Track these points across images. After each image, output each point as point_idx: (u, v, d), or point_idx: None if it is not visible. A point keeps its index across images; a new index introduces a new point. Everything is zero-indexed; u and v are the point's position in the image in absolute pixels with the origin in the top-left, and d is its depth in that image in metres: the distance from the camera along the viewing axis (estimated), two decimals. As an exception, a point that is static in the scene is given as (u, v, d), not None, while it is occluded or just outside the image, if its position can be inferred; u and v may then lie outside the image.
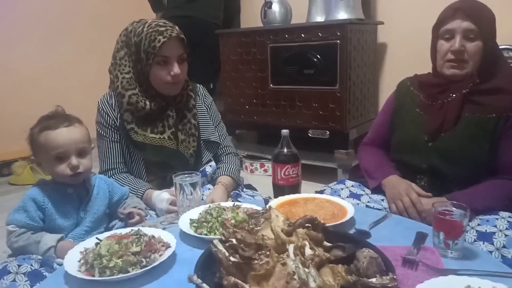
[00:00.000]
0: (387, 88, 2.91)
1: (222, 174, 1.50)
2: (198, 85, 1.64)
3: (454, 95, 1.27)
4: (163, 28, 1.36)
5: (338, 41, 2.46)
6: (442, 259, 0.85)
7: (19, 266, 0.96)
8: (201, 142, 1.54)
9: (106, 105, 1.45)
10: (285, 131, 1.34)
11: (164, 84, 1.41)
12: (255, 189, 1.63)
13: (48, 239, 1.08)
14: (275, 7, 2.79)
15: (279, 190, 1.34)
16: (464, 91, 1.25)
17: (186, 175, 1.15)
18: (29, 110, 3.07)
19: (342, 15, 2.54)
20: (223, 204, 1.14)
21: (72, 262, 0.86)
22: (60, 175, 1.13)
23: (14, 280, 0.93)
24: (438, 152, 1.27)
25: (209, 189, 1.44)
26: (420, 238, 0.93)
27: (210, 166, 1.53)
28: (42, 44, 3.23)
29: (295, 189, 1.33)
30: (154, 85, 1.42)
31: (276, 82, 2.80)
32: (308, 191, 1.30)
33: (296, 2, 2.88)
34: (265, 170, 2.90)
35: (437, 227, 0.90)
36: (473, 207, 0.96)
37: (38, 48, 3.21)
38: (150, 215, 1.33)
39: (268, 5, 2.78)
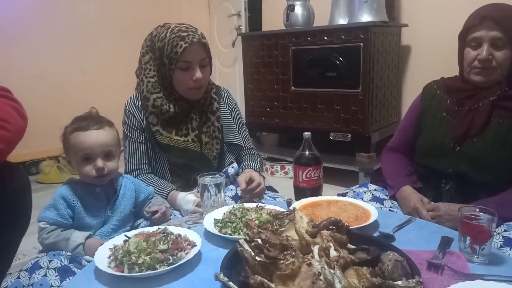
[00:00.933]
0: (410, 91, 2.87)
1: (247, 168, 1.53)
2: (222, 87, 1.66)
3: (481, 102, 1.25)
4: (185, 33, 1.38)
5: (361, 43, 2.45)
6: (468, 264, 0.84)
7: (49, 261, 1.00)
8: (224, 144, 1.56)
9: (132, 106, 1.49)
10: (307, 134, 1.34)
11: (187, 89, 1.43)
12: (276, 191, 1.64)
13: (77, 237, 1.12)
14: (298, 10, 2.80)
15: (300, 193, 1.34)
16: (492, 98, 1.23)
17: (210, 176, 1.17)
18: (59, 112, 3.21)
19: (365, 17, 2.53)
20: (247, 205, 1.15)
21: (102, 258, 0.89)
22: (86, 175, 1.17)
23: (45, 275, 0.97)
24: (466, 157, 1.25)
25: (231, 189, 1.45)
26: (446, 242, 0.91)
27: (232, 167, 1.55)
28: (72, 49, 3.33)
29: (317, 191, 1.33)
30: (177, 89, 1.45)
31: (298, 85, 2.81)
32: (330, 194, 1.30)
33: (318, 5, 2.88)
34: (286, 173, 2.91)
35: (463, 232, 0.89)
36: (500, 216, 0.95)
37: (68, 53, 3.31)
38: (174, 215, 1.35)
39: (290, 8, 2.79)
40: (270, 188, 1.65)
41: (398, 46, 2.79)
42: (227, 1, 3.88)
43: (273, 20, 3.35)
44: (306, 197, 1.24)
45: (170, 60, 1.39)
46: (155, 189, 1.39)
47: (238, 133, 1.61)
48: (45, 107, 3.14)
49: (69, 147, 1.17)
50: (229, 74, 3.81)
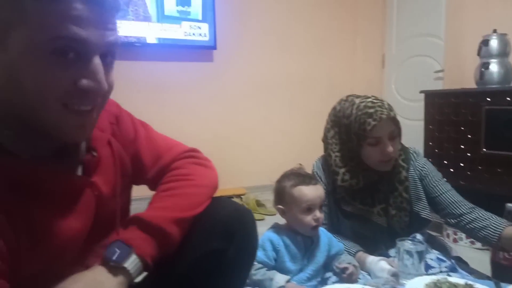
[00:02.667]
0: None
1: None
2: (410, 149, 1.57)
3: None
4: (372, 110, 1.38)
5: None
6: None
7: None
8: (412, 216, 1.47)
9: (320, 169, 1.57)
10: (510, 205, 1.21)
11: (377, 162, 1.43)
12: (466, 263, 1.48)
13: (280, 279, 1.24)
14: (493, 68, 2.59)
15: (500, 270, 1.20)
16: None
17: (410, 242, 1.16)
18: (245, 155, 3.66)
19: None
20: (453, 280, 1.10)
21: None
22: (306, 224, 1.31)
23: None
24: None
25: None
26: None
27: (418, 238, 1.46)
28: (259, 100, 3.79)
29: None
30: (366, 162, 1.45)
31: (491, 147, 2.54)
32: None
33: (519, 61, 2.61)
34: (472, 242, 2.60)
35: None
36: None
37: (255, 104, 3.77)
38: (363, 275, 1.37)
39: (485, 65, 2.61)
40: (459, 259, 1.51)
41: None
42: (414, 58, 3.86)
43: (457, 77, 3.16)
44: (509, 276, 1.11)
45: (358, 137, 1.40)
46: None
47: (427, 205, 1.47)
48: (233, 150, 3.60)
49: (291, 199, 1.32)
50: (409, 127, 3.70)
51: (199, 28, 3.30)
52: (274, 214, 2.76)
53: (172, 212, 0.80)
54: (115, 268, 0.71)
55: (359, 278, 1.32)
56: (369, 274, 1.37)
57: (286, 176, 1.38)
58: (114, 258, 0.71)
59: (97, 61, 0.65)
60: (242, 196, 3.42)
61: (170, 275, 0.82)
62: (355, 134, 1.41)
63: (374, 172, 1.46)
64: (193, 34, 3.29)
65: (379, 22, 4.16)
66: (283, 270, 1.31)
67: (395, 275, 1.26)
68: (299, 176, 1.35)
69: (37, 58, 0.61)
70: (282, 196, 1.35)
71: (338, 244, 1.42)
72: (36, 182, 0.68)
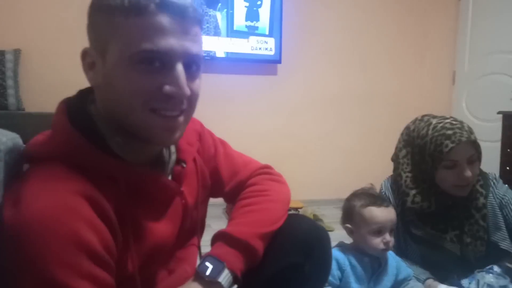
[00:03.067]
0: None
1: None
2: (490, 175, 1.49)
3: None
4: (450, 132, 1.31)
5: None
6: None
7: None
8: (489, 246, 1.39)
9: (389, 189, 1.52)
10: None
11: (453, 186, 1.36)
12: None
13: None
14: None
15: None
16: None
17: (491, 275, 1.09)
18: (303, 169, 3.65)
19: None
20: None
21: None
22: (373, 246, 1.29)
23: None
24: None
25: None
26: None
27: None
28: (317, 115, 3.77)
29: None
30: (440, 186, 1.38)
31: None
32: None
33: None
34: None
35: None
36: None
37: (313, 118, 3.76)
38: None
39: None
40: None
41: None
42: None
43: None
44: None
45: (433, 158, 1.34)
46: (413, 272, 1.39)
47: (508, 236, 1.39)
48: (289, 163, 3.60)
49: (362, 219, 1.31)
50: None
51: (266, 42, 3.38)
52: (332, 230, 2.72)
53: (256, 227, 0.84)
54: (210, 283, 0.74)
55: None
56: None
57: (356, 195, 1.36)
58: (208, 273, 0.75)
59: (179, 68, 0.70)
60: (299, 210, 3.42)
61: None
62: (430, 156, 1.36)
63: (448, 197, 1.39)
64: (260, 48, 3.37)
65: (450, 37, 3.99)
66: (347, 291, 1.29)
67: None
68: (370, 197, 1.33)
69: (127, 68, 0.68)
70: (351, 215, 1.34)
71: (406, 269, 1.37)
72: (140, 185, 0.75)
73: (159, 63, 0.69)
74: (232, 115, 3.47)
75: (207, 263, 0.76)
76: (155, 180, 0.77)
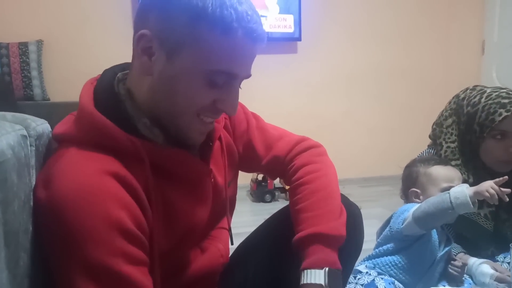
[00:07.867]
0: None
1: None
2: None
3: None
4: (506, 100, 1.27)
5: None
6: None
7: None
8: None
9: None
10: None
11: (497, 161, 1.32)
12: None
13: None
14: None
15: None
16: None
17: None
18: (327, 148, 3.59)
19: None
20: None
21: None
22: None
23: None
24: None
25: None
26: None
27: None
28: (341, 93, 3.70)
29: None
30: (484, 159, 1.34)
31: None
32: None
33: None
34: None
35: None
36: None
37: (338, 96, 3.69)
38: (465, 278, 1.29)
39: None
40: None
41: None
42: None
43: None
44: None
45: (482, 127, 1.30)
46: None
47: None
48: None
49: (430, 179, 1.28)
50: None
51: (285, 20, 3.31)
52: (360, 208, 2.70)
53: (337, 217, 0.85)
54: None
55: (464, 279, 1.24)
56: (470, 277, 1.29)
57: (417, 160, 1.35)
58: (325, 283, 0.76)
59: (237, 89, 0.74)
60: (324, 189, 3.40)
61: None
62: (478, 124, 1.31)
63: (487, 172, 1.34)
64: (278, 26, 3.30)
65: (477, 6, 3.80)
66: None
67: (501, 280, 1.16)
68: (433, 159, 1.32)
69: (195, 79, 0.69)
70: (415, 179, 1.32)
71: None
72: (168, 165, 0.75)
73: (223, 81, 0.71)
74: (253, 97, 3.42)
75: (315, 271, 0.77)
76: (182, 160, 0.77)
